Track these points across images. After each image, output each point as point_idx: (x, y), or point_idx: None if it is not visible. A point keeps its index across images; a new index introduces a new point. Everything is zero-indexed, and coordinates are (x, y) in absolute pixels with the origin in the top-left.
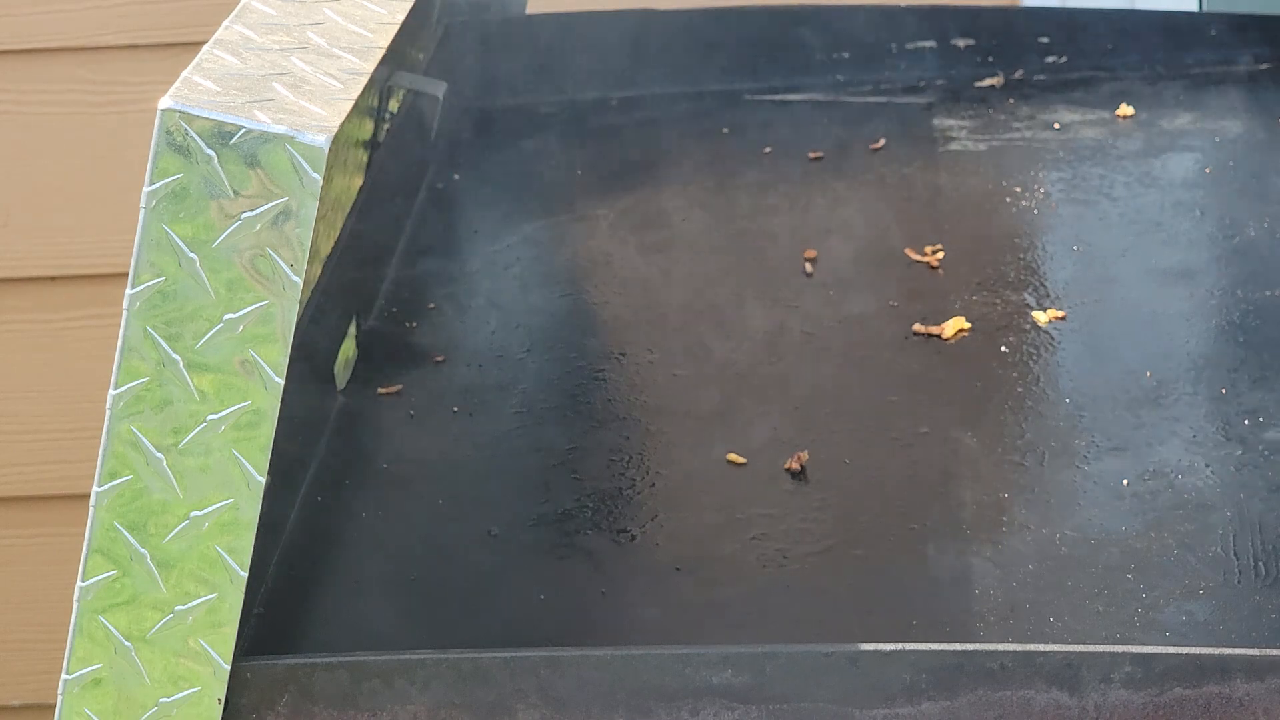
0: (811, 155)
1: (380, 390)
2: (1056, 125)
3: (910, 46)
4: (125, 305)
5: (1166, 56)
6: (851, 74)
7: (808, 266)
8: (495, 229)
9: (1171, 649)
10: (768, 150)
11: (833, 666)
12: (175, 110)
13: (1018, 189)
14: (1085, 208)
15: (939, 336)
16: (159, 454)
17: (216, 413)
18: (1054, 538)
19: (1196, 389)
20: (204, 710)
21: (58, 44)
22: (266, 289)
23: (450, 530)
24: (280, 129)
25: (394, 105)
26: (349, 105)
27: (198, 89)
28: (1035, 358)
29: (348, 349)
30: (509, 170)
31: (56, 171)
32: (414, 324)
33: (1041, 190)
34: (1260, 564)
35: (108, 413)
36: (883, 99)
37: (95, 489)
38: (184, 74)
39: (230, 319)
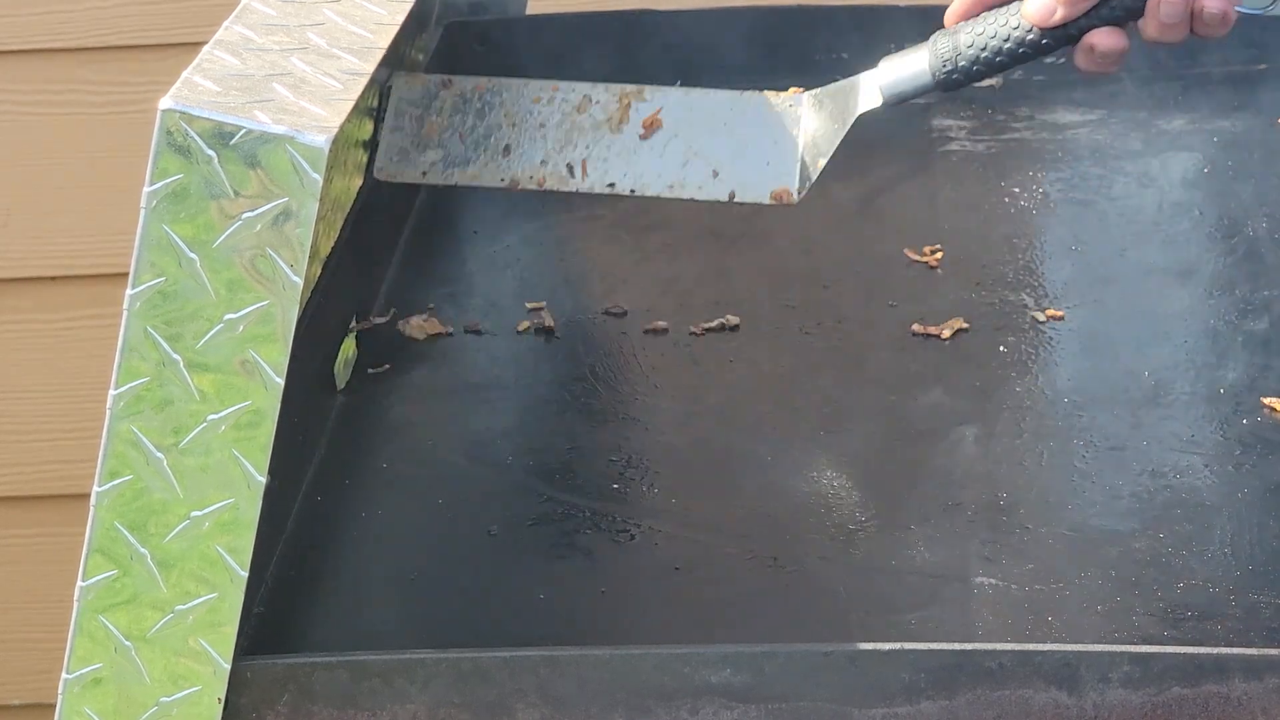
0: None
1: (373, 374)
2: (1056, 125)
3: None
4: (125, 305)
5: (1165, 56)
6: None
7: (808, 266)
8: (495, 229)
9: (1170, 649)
10: None
11: (831, 666)
12: (175, 110)
13: (1017, 189)
14: (1084, 208)
15: (938, 336)
16: (159, 454)
17: (217, 412)
18: (1052, 537)
19: (1195, 389)
20: (204, 709)
21: (58, 44)
22: (267, 289)
23: (450, 530)
24: (280, 129)
25: None
26: (349, 106)
27: (198, 89)
28: (1034, 357)
29: (348, 349)
30: None
31: (56, 171)
32: (414, 324)
33: (1040, 190)
34: (1258, 563)
35: (108, 413)
36: None
37: (95, 489)
38: (184, 74)
39: (230, 319)
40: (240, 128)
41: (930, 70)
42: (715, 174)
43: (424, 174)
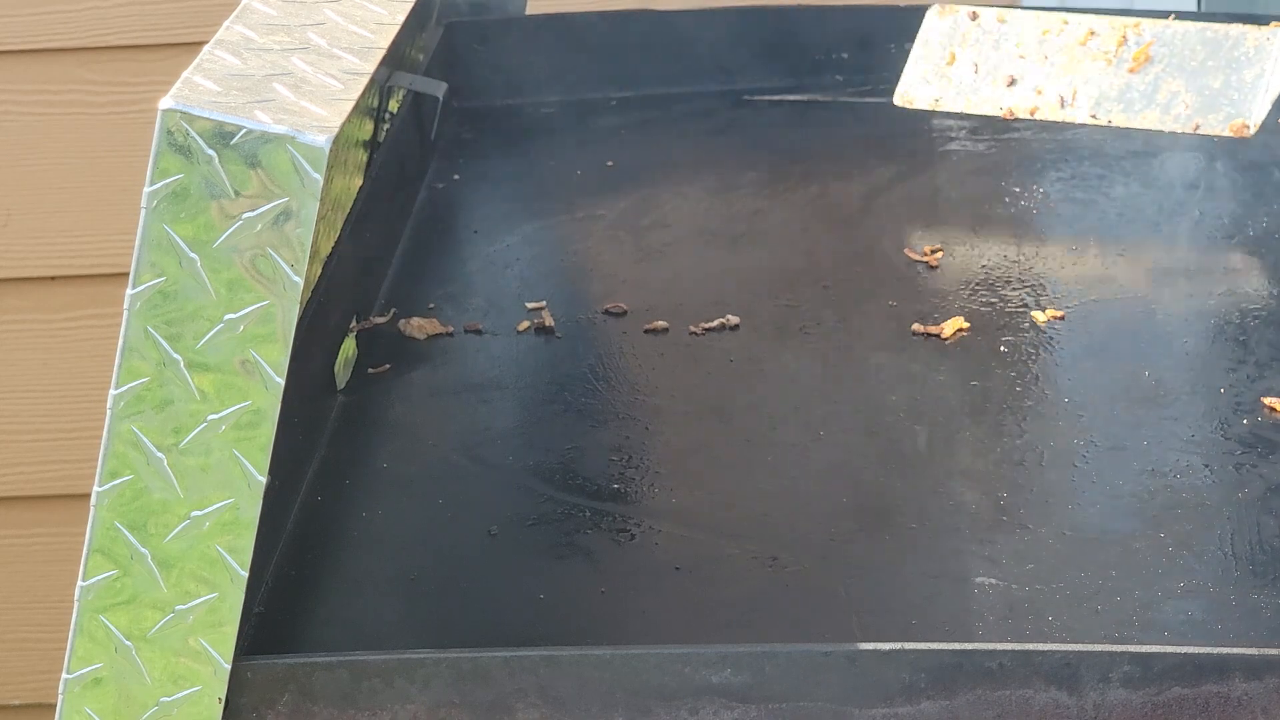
0: (812, 156)
1: (373, 374)
2: (1056, 125)
3: (910, 46)
4: (126, 305)
5: None
6: (851, 74)
7: (808, 266)
8: (495, 229)
9: (1170, 648)
10: (767, 150)
11: (831, 666)
12: (176, 110)
13: (1017, 189)
14: (1084, 208)
15: (938, 336)
16: (160, 454)
17: (217, 412)
18: (1052, 537)
19: (1195, 388)
20: (204, 709)
21: (58, 44)
22: (267, 289)
23: (450, 530)
24: (281, 129)
25: (394, 105)
26: (349, 105)
27: (198, 89)
28: (1034, 357)
29: (348, 348)
30: (509, 170)
31: (56, 171)
32: (414, 324)
33: (1041, 190)
34: (1258, 563)
35: (108, 413)
36: (882, 99)
37: (96, 488)
38: (185, 74)
39: (231, 319)
40: (241, 127)
41: None
42: (1186, 105)
43: (936, 100)
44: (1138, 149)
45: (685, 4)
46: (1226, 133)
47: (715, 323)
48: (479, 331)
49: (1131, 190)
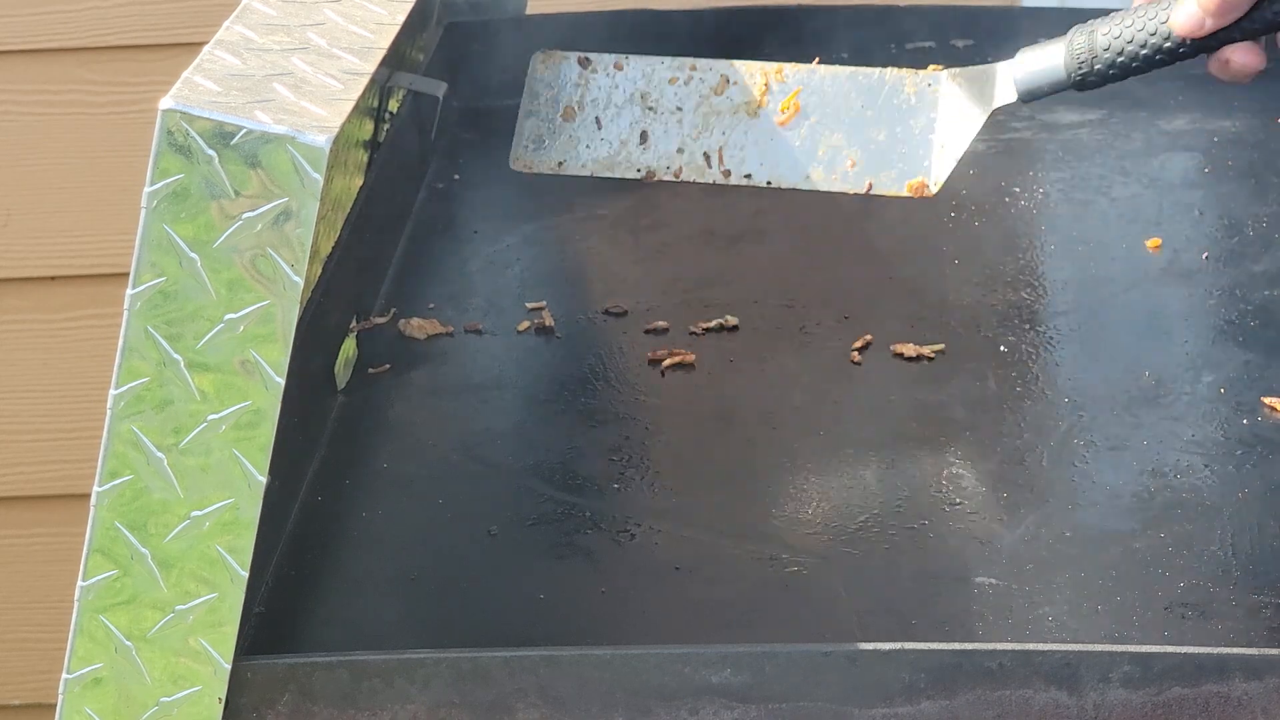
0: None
1: (373, 374)
2: (1056, 125)
3: (910, 46)
4: (126, 305)
5: None
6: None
7: (808, 266)
8: (495, 229)
9: (1170, 648)
10: None
11: (832, 666)
12: (176, 110)
13: (1017, 189)
14: (1084, 208)
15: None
16: (160, 454)
17: (217, 412)
18: (1052, 537)
19: (1195, 389)
20: (204, 709)
21: (58, 44)
22: (267, 289)
23: (450, 530)
24: (281, 129)
25: (394, 105)
26: (349, 106)
27: (198, 89)
28: (1034, 357)
29: (348, 348)
30: (509, 170)
31: (56, 171)
32: (414, 324)
33: (1041, 190)
34: (1258, 563)
35: (108, 413)
36: None
37: (96, 489)
38: (185, 74)
39: (231, 319)
40: (241, 128)
41: (1065, 69)
42: (852, 164)
43: (560, 164)
44: (1137, 150)
45: (685, 4)
46: (905, 193)
47: (715, 323)
48: (479, 331)
49: (1132, 190)
